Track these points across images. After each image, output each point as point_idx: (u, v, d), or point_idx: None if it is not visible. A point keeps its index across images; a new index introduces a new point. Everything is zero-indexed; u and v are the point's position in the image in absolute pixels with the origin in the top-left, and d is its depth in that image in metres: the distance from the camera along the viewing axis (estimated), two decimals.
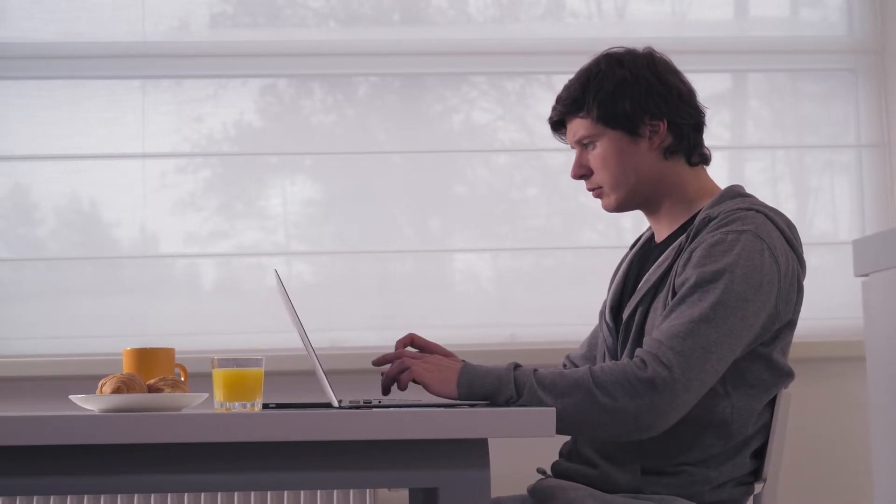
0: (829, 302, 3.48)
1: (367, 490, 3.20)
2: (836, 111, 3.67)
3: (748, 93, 3.72)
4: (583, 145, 2.36)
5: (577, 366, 2.53)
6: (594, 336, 2.57)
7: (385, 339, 3.44)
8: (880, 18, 3.66)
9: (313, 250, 3.55)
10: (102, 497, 3.22)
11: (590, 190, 2.39)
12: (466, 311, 3.54)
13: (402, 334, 3.47)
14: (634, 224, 3.51)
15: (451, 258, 3.61)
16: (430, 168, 3.59)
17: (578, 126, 2.34)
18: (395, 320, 3.51)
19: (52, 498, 3.18)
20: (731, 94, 3.71)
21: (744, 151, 3.67)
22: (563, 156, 3.52)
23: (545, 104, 3.53)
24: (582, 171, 2.37)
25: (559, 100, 2.38)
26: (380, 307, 3.53)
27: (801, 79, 3.69)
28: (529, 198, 3.61)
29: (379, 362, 2.24)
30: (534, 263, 3.58)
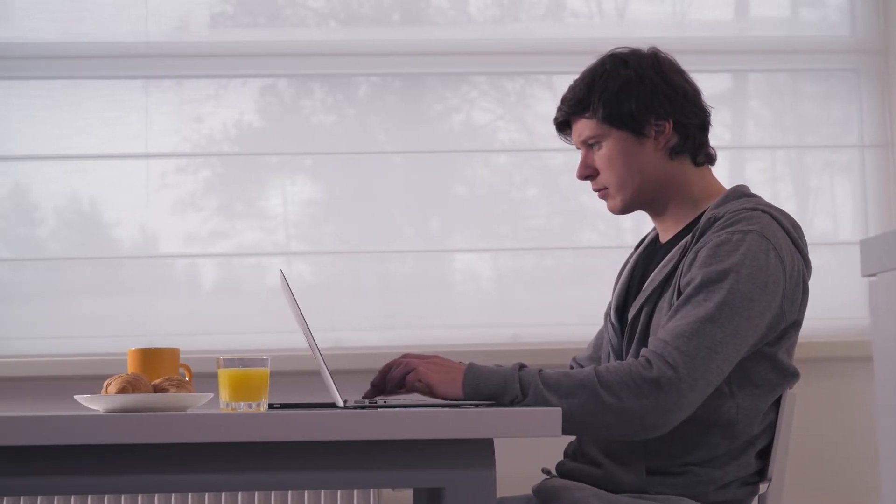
0: (830, 302, 3.47)
1: (371, 490, 3.20)
2: (837, 111, 3.67)
3: (748, 93, 3.73)
4: (588, 146, 2.36)
5: (583, 367, 2.52)
6: (599, 337, 2.57)
7: (387, 339, 3.44)
8: (883, 19, 3.66)
9: (313, 250, 3.55)
10: (106, 497, 3.21)
11: (595, 190, 2.38)
12: (466, 312, 3.54)
13: (403, 334, 3.48)
14: (635, 224, 3.50)
15: (451, 258, 3.60)
16: (430, 168, 3.58)
17: (584, 126, 2.34)
18: (395, 320, 3.51)
19: (55, 498, 3.17)
20: (731, 94, 3.71)
21: (744, 151, 3.67)
22: (563, 156, 3.52)
23: (545, 104, 3.56)
24: (588, 172, 2.37)
25: (564, 100, 2.37)
26: (380, 307, 3.52)
27: (801, 79, 3.69)
28: (529, 198, 3.60)
29: (378, 380, 2.23)
30: (534, 263, 3.58)
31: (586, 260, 3.57)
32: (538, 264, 3.58)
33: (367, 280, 3.54)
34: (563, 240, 3.59)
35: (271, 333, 3.42)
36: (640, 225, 3.44)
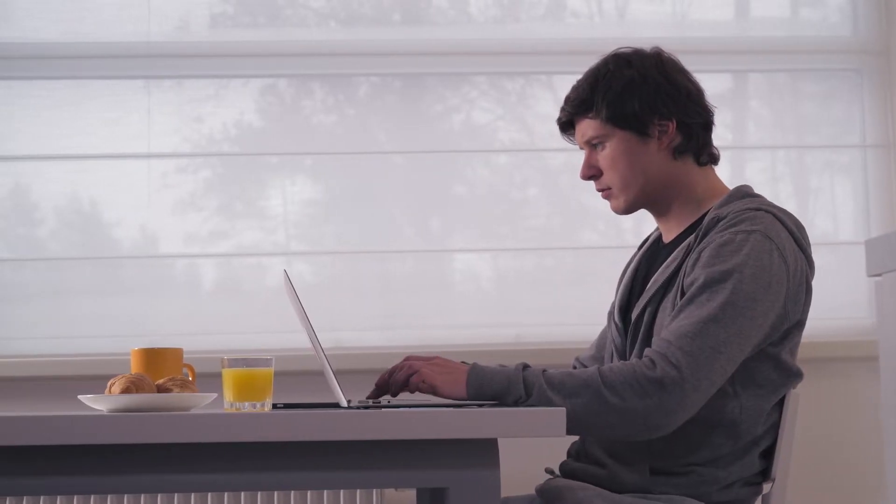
0: (831, 302, 3.47)
1: (375, 490, 3.20)
2: (837, 111, 3.67)
3: (749, 93, 3.73)
4: (592, 146, 2.35)
5: (586, 367, 2.52)
6: (602, 337, 2.56)
7: (387, 339, 3.44)
8: (885, 20, 3.66)
9: (313, 250, 3.54)
10: (109, 497, 3.21)
11: (599, 191, 2.38)
12: (467, 312, 3.54)
13: (403, 334, 3.47)
14: (635, 224, 3.50)
15: (451, 258, 3.60)
16: (430, 168, 3.58)
17: (587, 127, 2.34)
18: (396, 320, 3.51)
19: (58, 498, 3.17)
20: (731, 95, 3.71)
21: (744, 151, 3.67)
22: (564, 156, 3.52)
23: (545, 104, 3.56)
24: (591, 172, 2.37)
25: (568, 100, 2.37)
26: (381, 307, 3.52)
27: (801, 79, 3.69)
28: (529, 198, 3.60)
29: (381, 382, 2.22)
30: (534, 264, 3.58)
31: (587, 260, 3.57)
32: (538, 264, 3.58)
33: (367, 280, 3.54)
34: (564, 240, 3.59)
35: (271, 333, 3.42)
36: (640, 225, 3.44)
